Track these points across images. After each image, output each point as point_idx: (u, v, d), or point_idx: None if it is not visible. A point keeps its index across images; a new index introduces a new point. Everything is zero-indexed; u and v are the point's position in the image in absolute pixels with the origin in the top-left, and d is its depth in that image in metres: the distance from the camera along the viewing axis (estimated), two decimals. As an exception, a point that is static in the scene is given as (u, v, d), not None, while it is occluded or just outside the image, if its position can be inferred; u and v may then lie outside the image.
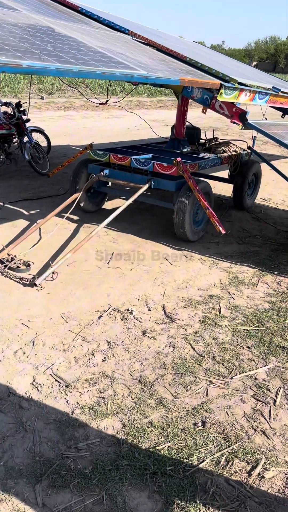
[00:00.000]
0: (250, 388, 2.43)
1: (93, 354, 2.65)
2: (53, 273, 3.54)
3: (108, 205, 5.44)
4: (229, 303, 3.38)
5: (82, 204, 4.92)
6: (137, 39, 4.18)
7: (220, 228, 4.08)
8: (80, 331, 2.88)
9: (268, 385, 2.46)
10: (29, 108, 6.50)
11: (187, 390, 2.38)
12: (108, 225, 4.65)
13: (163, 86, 4.80)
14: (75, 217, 4.96)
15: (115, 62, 2.58)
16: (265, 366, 2.63)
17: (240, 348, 2.80)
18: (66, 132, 10.45)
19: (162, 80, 2.79)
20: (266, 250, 4.47)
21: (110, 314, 3.12)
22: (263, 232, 4.98)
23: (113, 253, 4.16)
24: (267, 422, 2.20)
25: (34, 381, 2.39)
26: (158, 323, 3.04)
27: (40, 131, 7.10)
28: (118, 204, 5.46)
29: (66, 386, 2.35)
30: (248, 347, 2.81)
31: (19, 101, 6.37)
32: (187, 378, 2.47)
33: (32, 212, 5.11)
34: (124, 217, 4.98)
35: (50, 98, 15.90)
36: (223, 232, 4.10)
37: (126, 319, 3.06)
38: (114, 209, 4.26)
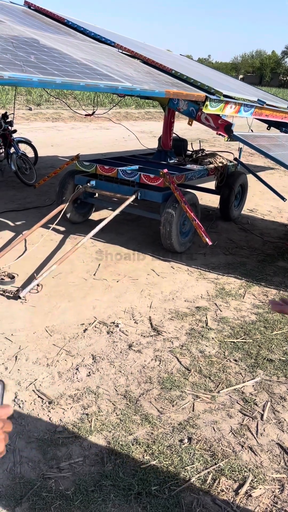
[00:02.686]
0: (237, 403, 2.40)
1: (77, 369, 2.59)
2: (37, 285, 3.49)
3: (95, 216, 5.41)
4: (216, 315, 3.35)
5: (68, 215, 4.88)
6: (123, 52, 4.20)
7: (207, 239, 4.07)
8: (65, 345, 2.82)
9: (255, 399, 2.43)
10: (13, 117, 6.46)
11: (173, 405, 2.34)
12: (94, 236, 4.61)
13: (149, 98, 4.83)
14: (62, 228, 4.92)
15: (99, 74, 2.57)
16: (252, 379, 2.59)
17: (227, 361, 2.76)
18: (53, 143, 10.44)
19: (147, 92, 2.79)
20: (253, 261, 4.47)
21: (95, 327, 3.07)
22: (250, 243, 4.98)
23: (99, 265, 4.12)
24: (254, 437, 2.16)
25: (16, 397, 2.32)
26: (144, 336, 2.99)
27: (27, 142, 7.07)
28: (105, 215, 5.43)
29: (49, 403, 2.28)
30: (235, 360, 2.78)
31: (6, 112, 6.35)
32: (173, 393, 2.43)
33: (18, 223, 5.05)
34: (111, 228, 4.95)
35: (38, 109, 15.91)
36: (210, 243, 4.09)
37: (112, 332, 3.01)
38: (101, 220, 4.23)
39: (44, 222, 4.37)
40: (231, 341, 2.98)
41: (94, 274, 3.91)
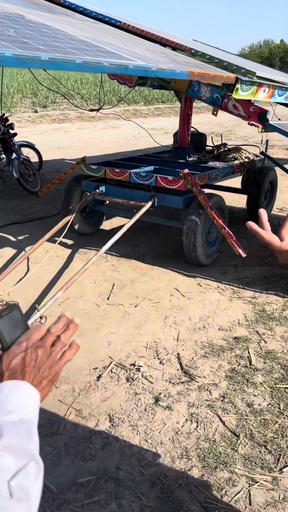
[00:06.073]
0: (309, 487, 1.76)
1: (90, 439, 1.98)
2: (40, 317, 2.89)
3: (106, 224, 4.80)
4: (261, 348, 2.71)
5: (76, 227, 4.29)
6: (131, 32, 3.57)
7: (240, 251, 3.43)
8: (74, 401, 2.22)
9: None
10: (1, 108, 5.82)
11: (221, 496, 1.71)
12: (107, 249, 4.01)
13: (163, 87, 4.18)
14: (69, 242, 4.33)
15: (103, 51, 1.96)
16: None
17: (284, 417, 2.12)
18: (60, 145, 9.88)
19: (166, 73, 2.16)
20: (294, 272, 3.80)
21: (112, 372, 2.46)
22: (286, 249, 4.31)
23: (113, 285, 3.51)
24: None
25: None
26: (173, 383, 2.37)
27: (30, 146, 6.50)
28: (118, 224, 4.83)
29: (53, 500, 1.68)
30: (295, 416, 2.14)
31: (3, 114, 5.77)
32: (219, 475, 1.80)
33: (21, 237, 4.48)
34: (125, 238, 4.32)
35: (45, 111, 15.39)
36: (244, 255, 3.44)
37: (132, 378, 2.40)
38: (113, 230, 3.64)
39: (48, 237, 3.78)
40: (285, 387, 2.34)
41: (108, 298, 3.31)
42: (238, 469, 1.83)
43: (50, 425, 2.06)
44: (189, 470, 1.82)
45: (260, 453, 1.91)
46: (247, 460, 1.87)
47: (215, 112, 3.39)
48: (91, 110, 3.97)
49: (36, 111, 15.01)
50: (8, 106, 14.92)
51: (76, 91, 17.97)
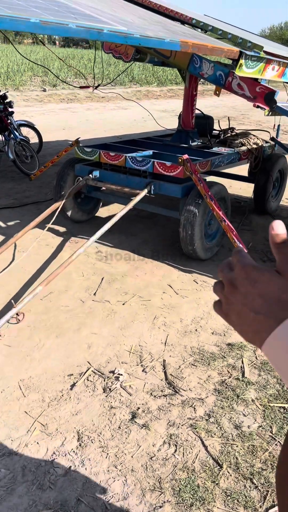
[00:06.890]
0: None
1: (52, 462, 1.75)
2: (17, 314, 2.65)
3: (103, 211, 4.52)
4: (256, 358, 2.44)
5: (69, 213, 4.02)
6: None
7: (240, 246, 3.13)
8: (41, 414, 1.99)
9: None
10: None
11: None
12: (100, 239, 3.75)
13: (164, 63, 3.82)
14: (62, 229, 4.07)
15: (76, 13, 1.66)
16: None
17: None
18: (66, 126, 9.55)
19: (152, 41, 1.84)
20: (300, 270, 3.49)
21: (88, 380, 2.22)
22: (294, 244, 3.99)
23: (102, 279, 3.26)
24: None
25: None
26: (155, 396, 2.12)
27: (29, 125, 6.20)
28: (116, 210, 4.54)
29: (-2, 538, 1.46)
30: (289, 444, 1.87)
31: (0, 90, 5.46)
32: (195, 514, 1.56)
33: (11, 223, 4.23)
34: (121, 227, 4.06)
35: (54, 90, 14.99)
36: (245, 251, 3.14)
37: (110, 389, 2.15)
38: (110, 217, 3.36)
39: (36, 224, 3.53)
40: (279, 406, 2.07)
41: (95, 294, 3.05)
42: (217, 507, 1.58)
43: (10, 442, 1.83)
44: (161, 506, 1.58)
45: (245, 488, 1.65)
46: (229, 497, 1.61)
47: (217, 92, 3.05)
48: (82, 87, 3.65)
49: (44, 90, 14.63)
50: (17, 84, 14.57)
51: (89, 70, 17.50)
